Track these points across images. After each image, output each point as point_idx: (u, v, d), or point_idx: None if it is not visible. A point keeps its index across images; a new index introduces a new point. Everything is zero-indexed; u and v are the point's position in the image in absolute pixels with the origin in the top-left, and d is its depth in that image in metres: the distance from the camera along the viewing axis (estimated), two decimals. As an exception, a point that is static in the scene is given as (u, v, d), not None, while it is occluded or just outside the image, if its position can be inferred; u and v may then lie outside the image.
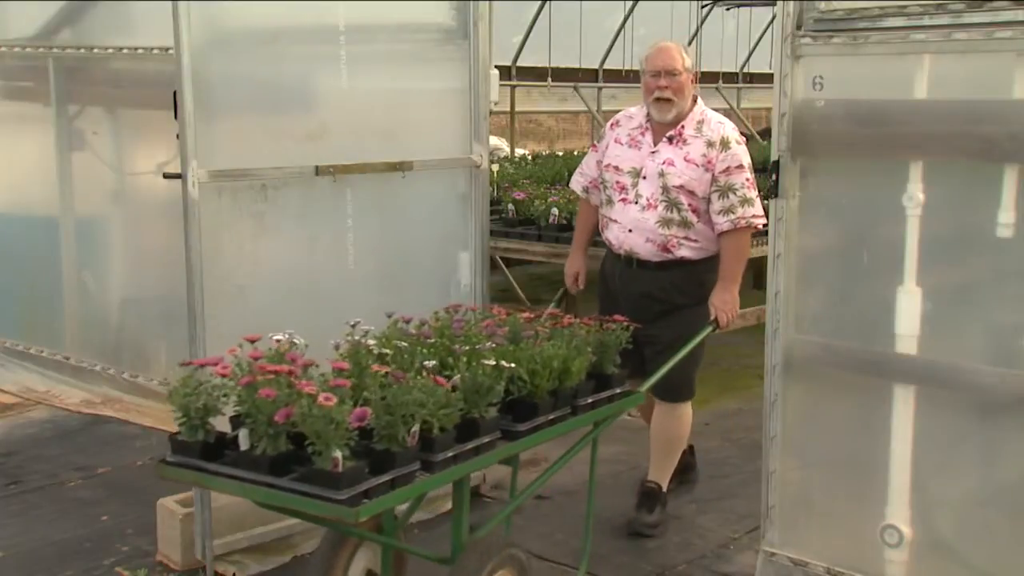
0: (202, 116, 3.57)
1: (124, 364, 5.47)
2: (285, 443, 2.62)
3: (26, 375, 5.98)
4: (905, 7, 3.01)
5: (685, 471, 4.66)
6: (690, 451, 4.72)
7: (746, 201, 4.06)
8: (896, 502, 3.21)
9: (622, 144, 4.22)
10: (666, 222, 4.08)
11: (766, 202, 3.65)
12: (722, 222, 4.07)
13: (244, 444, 2.65)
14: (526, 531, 4.22)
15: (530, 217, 6.93)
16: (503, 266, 7.50)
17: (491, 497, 4.54)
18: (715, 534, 4.25)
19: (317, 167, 3.89)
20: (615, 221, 4.19)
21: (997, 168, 2.93)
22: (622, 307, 4.07)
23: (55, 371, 5.87)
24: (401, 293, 4.19)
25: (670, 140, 4.11)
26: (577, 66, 11.85)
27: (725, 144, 4.07)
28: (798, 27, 3.20)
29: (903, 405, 3.17)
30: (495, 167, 8.67)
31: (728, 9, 13.11)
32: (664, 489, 4.32)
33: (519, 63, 11.14)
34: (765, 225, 3.87)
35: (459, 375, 2.87)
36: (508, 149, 11.72)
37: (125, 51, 5.18)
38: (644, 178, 4.11)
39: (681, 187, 4.04)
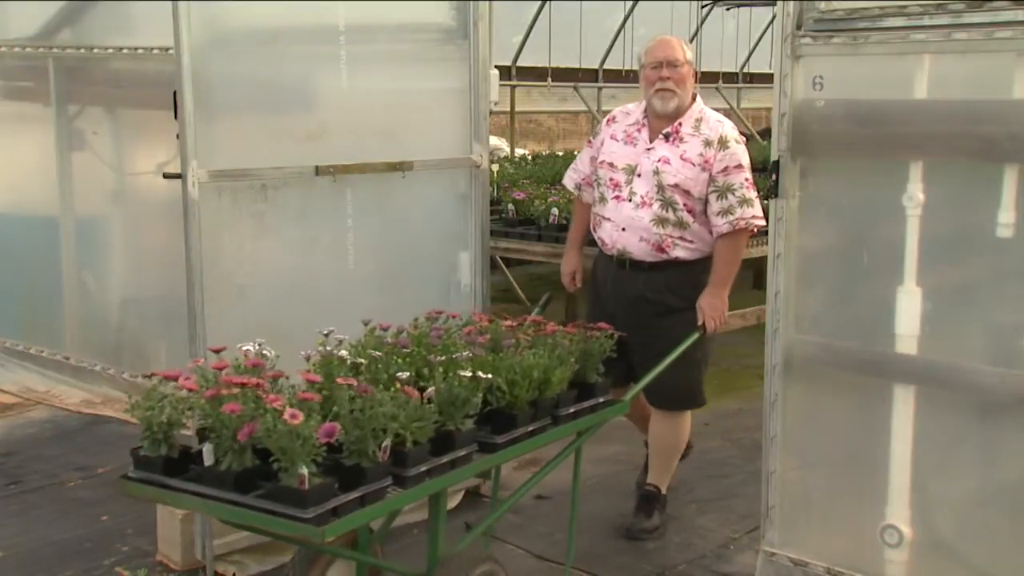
0: (202, 116, 3.57)
1: (124, 364, 5.49)
2: (251, 458, 2.54)
3: (26, 375, 5.99)
4: (905, 7, 3.01)
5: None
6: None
7: (745, 202, 3.96)
8: (896, 502, 3.21)
9: (618, 140, 4.13)
10: (661, 221, 3.98)
11: (766, 202, 3.64)
12: (720, 224, 3.97)
13: (208, 459, 2.56)
14: (526, 531, 4.22)
15: (530, 217, 6.93)
16: (503, 266, 7.50)
17: (489, 497, 4.54)
18: (715, 534, 4.25)
19: (317, 167, 3.89)
20: (608, 219, 4.09)
21: (997, 168, 2.92)
22: (613, 311, 4.02)
23: (55, 371, 5.88)
24: (401, 293, 4.19)
25: (667, 138, 4.02)
26: (577, 66, 11.84)
27: (724, 143, 3.98)
28: (798, 27, 3.20)
29: (903, 405, 3.17)
30: (495, 167, 8.67)
31: (728, 9, 13.11)
32: (663, 492, 4.29)
33: (519, 63, 11.14)
34: (764, 227, 3.86)
35: (434, 387, 2.78)
36: (508, 149, 11.72)
37: (125, 51, 5.19)
38: (639, 175, 4.02)
39: (676, 186, 3.95)
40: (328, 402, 2.63)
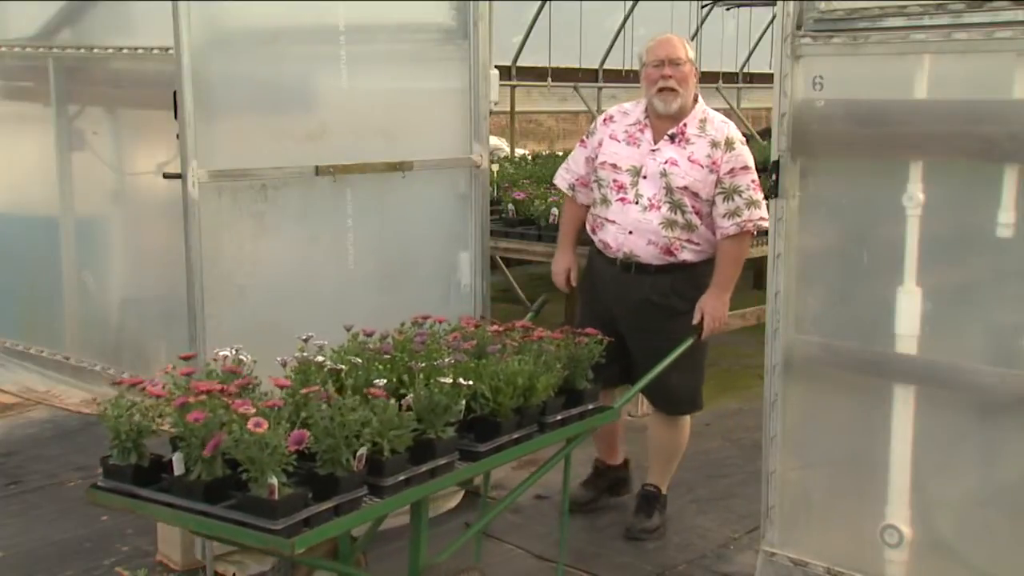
0: (202, 116, 3.57)
1: (124, 364, 5.49)
2: (222, 468, 2.47)
3: (26, 375, 5.99)
4: (905, 7, 3.01)
5: (616, 486, 4.49)
6: (624, 465, 4.52)
7: (752, 203, 3.92)
8: (896, 502, 3.20)
9: (619, 141, 4.06)
10: (670, 224, 3.94)
11: (766, 202, 3.64)
12: (727, 225, 3.93)
13: (179, 468, 2.51)
14: (525, 530, 4.22)
15: (530, 217, 6.93)
16: (503, 266, 7.49)
17: (491, 497, 4.53)
18: (715, 534, 4.25)
19: (317, 167, 3.89)
20: (612, 222, 4.01)
21: (997, 168, 2.92)
22: (614, 314, 4.00)
23: (55, 371, 5.89)
24: (401, 293, 4.20)
25: (672, 139, 3.97)
26: (577, 66, 11.85)
27: (730, 144, 3.95)
28: (798, 27, 3.20)
29: (903, 405, 3.17)
30: (495, 167, 8.66)
31: (728, 9, 13.11)
32: (664, 492, 4.29)
33: (519, 63, 11.14)
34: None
35: (412, 394, 2.72)
36: (508, 149, 11.71)
37: (125, 51, 5.19)
38: (645, 177, 3.96)
39: (685, 188, 3.91)
40: (303, 409, 2.57)
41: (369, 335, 3.09)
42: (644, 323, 3.99)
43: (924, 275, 3.08)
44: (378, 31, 4.20)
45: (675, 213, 3.94)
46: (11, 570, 3.89)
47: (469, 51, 4.35)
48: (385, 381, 2.74)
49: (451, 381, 2.75)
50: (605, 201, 4.05)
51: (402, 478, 2.62)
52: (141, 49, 5.07)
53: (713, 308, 3.95)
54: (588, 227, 4.19)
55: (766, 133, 11.88)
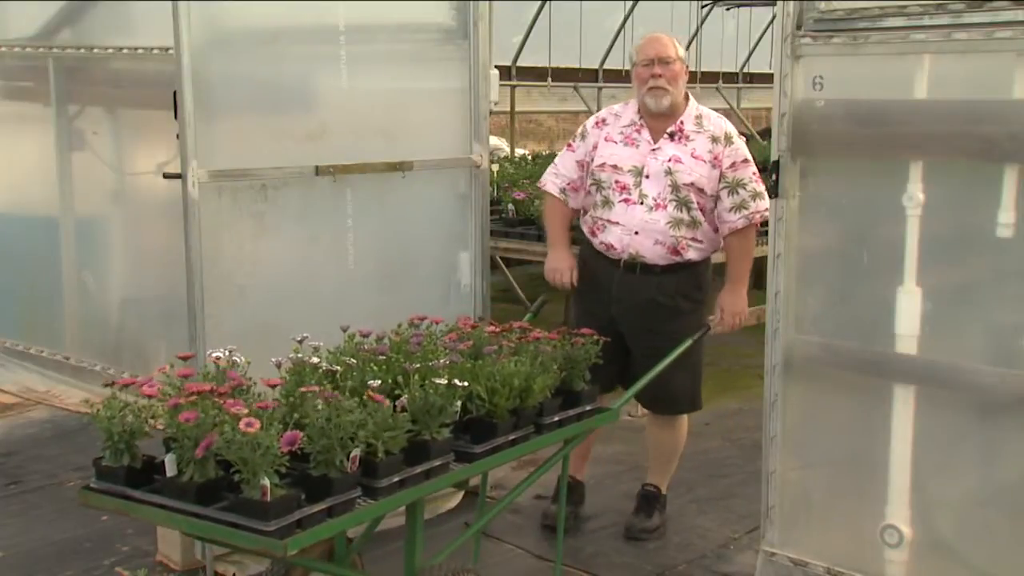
0: (202, 116, 3.57)
1: (124, 364, 5.49)
2: (214, 469, 2.45)
3: (26, 375, 5.99)
4: (905, 7, 3.01)
5: (580, 499, 4.34)
6: (577, 484, 4.33)
7: (757, 195, 3.94)
8: (896, 502, 3.20)
9: (616, 142, 4.04)
10: (676, 223, 3.93)
11: (767, 200, 3.65)
12: (735, 219, 3.94)
13: (171, 470, 2.49)
14: (525, 530, 4.22)
15: (530, 217, 6.94)
16: (503, 266, 7.50)
17: (491, 497, 4.53)
18: (715, 534, 4.25)
19: (317, 167, 3.89)
20: (616, 223, 3.98)
21: (997, 168, 2.92)
22: (614, 315, 3.99)
23: (55, 371, 5.89)
24: (401, 293, 4.20)
25: (671, 136, 3.97)
26: (577, 66, 11.85)
27: (729, 139, 3.97)
28: (798, 27, 3.20)
29: (903, 405, 3.17)
30: (495, 167, 8.67)
31: (728, 9, 13.11)
32: (664, 492, 4.29)
33: (519, 63, 11.14)
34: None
35: (407, 395, 2.71)
36: (508, 149, 11.71)
37: (125, 51, 5.20)
38: (647, 177, 3.95)
39: (691, 185, 3.91)
40: (297, 409, 2.56)
41: (366, 335, 3.08)
42: (648, 324, 3.99)
43: (924, 275, 3.08)
44: (378, 31, 4.20)
45: (681, 211, 3.94)
46: (11, 570, 3.89)
47: (469, 51, 4.36)
48: (379, 382, 2.73)
49: (446, 382, 2.74)
50: (607, 203, 4.02)
51: (396, 479, 2.60)
52: (141, 49, 5.08)
53: (732, 304, 4.00)
54: (586, 230, 4.14)
55: (766, 133, 11.88)
